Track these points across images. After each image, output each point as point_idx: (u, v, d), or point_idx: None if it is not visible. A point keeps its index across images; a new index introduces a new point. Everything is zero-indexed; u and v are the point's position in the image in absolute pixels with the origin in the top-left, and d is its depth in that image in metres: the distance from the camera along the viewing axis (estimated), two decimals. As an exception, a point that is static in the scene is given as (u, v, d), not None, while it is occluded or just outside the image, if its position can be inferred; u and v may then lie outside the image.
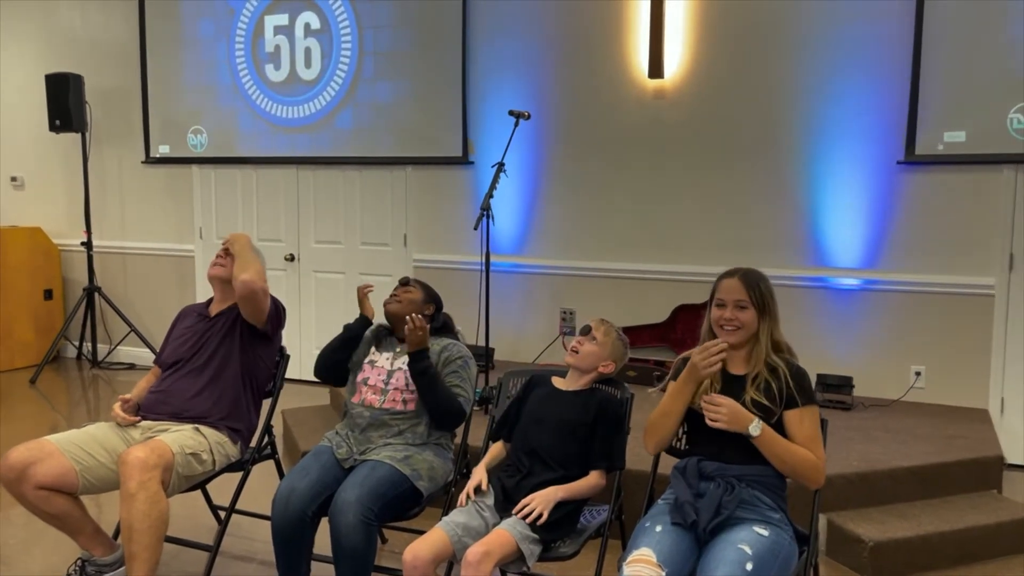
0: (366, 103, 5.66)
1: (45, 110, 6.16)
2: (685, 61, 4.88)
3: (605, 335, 2.57)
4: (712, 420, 2.19)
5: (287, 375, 3.17)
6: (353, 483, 2.54)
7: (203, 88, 6.14)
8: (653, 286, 5.05)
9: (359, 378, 2.89)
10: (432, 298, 3.00)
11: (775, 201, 4.77)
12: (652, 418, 2.36)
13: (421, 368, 2.72)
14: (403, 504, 2.64)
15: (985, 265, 4.40)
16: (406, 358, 2.82)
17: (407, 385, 2.80)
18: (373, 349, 2.94)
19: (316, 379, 3.01)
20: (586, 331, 2.59)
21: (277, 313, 3.07)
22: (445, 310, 3.05)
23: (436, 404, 2.75)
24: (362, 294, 2.96)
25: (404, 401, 2.80)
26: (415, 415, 2.79)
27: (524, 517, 2.32)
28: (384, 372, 2.86)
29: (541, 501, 2.34)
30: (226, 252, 3.11)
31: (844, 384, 4.45)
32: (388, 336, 2.98)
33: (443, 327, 2.99)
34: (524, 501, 2.36)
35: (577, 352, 2.55)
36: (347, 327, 2.97)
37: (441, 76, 5.43)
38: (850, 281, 4.65)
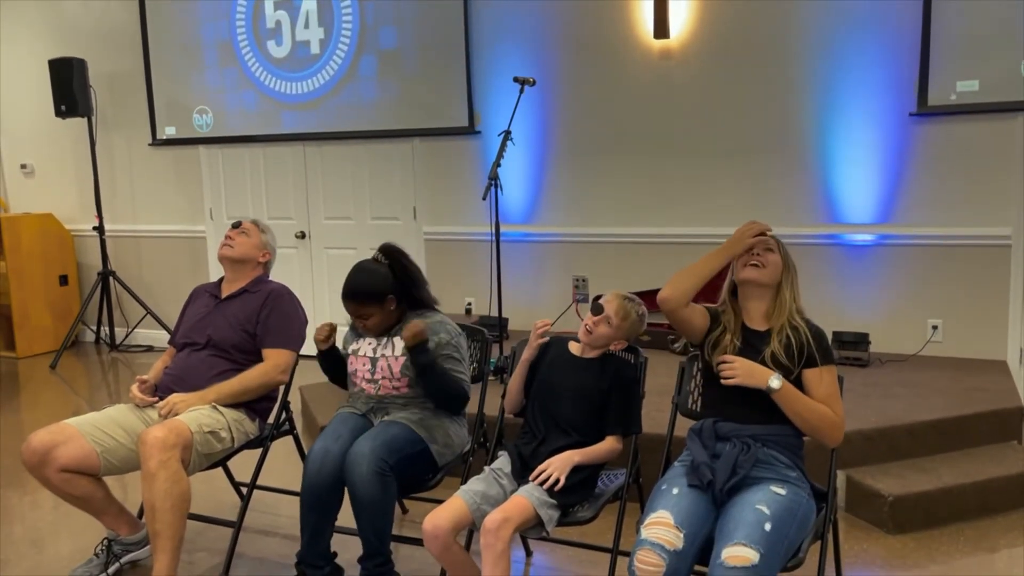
0: (370, 76, 5.62)
1: (50, 96, 6.16)
2: (691, 20, 4.81)
3: (623, 320, 2.50)
4: (727, 379, 2.20)
5: (303, 352, 3.17)
6: (367, 437, 2.55)
7: (206, 67, 6.11)
8: (665, 250, 5.01)
9: (349, 371, 2.83)
10: (391, 289, 2.72)
11: (787, 159, 4.71)
12: (679, 272, 2.38)
13: (422, 364, 2.62)
14: (418, 465, 2.63)
15: (1001, 215, 4.34)
16: (390, 344, 2.75)
17: (392, 373, 2.72)
18: (357, 337, 2.84)
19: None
20: (598, 310, 2.51)
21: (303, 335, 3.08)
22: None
23: (440, 394, 2.69)
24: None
25: (396, 387, 2.73)
26: (412, 395, 2.74)
27: (541, 483, 2.33)
28: (367, 361, 2.76)
29: (558, 466, 2.35)
30: (236, 231, 3.13)
31: (860, 341, 4.43)
32: None
33: (418, 303, 2.80)
34: (540, 467, 2.37)
35: (591, 332, 2.51)
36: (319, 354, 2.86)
37: (444, 45, 5.38)
38: (864, 237, 4.60)
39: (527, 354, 2.57)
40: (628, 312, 2.53)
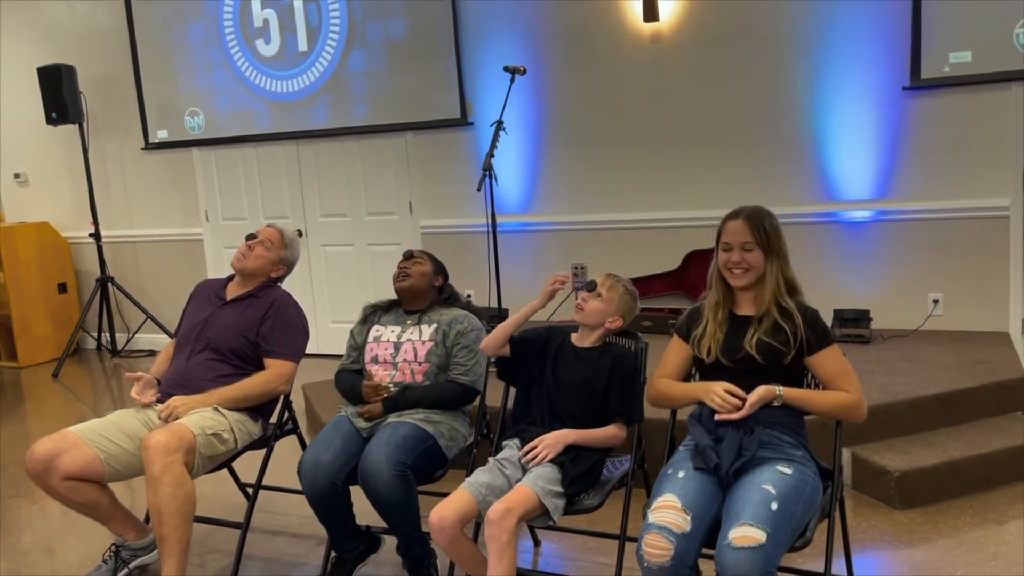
0: (360, 71, 5.60)
1: (41, 104, 6.13)
2: (680, 2, 4.78)
3: (610, 291, 2.53)
4: (740, 415, 2.13)
5: (305, 351, 3.15)
6: (378, 444, 2.55)
7: (195, 69, 6.08)
8: (663, 234, 5.00)
9: (367, 359, 2.87)
10: (440, 269, 2.96)
11: (781, 137, 4.69)
12: (661, 390, 2.37)
13: (402, 406, 2.71)
14: (430, 461, 2.65)
15: (998, 186, 4.32)
16: (416, 329, 2.83)
17: (415, 356, 2.79)
18: (376, 325, 2.92)
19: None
20: (592, 287, 2.55)
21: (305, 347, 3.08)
22: (455, 275, 3.03)
23: (442, 406, 2.75)
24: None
25: (413, 373, 2.78)
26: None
27: (531, 461, 2.36)
28: (391, 345, 2.84)
29: (550, 443, 2.36)
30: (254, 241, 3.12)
31: (862, 318, 4.42)
32: (389, 310, 2.95)
33: (451, 297, 2.96)
34: (530, 444, 2.38)
35: (583, 309, 2.54)
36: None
37: (433, 37, 5.35)
38: (862, 213, 4.59)
39: (536, 303, 2.56)
40: (615, 285, 2.55)
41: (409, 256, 2.92)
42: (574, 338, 2.60)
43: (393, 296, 2.97)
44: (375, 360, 2.85)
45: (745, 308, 2.31)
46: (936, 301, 4.51)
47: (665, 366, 2.41)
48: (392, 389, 2.75)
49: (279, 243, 3.14)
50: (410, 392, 2.74)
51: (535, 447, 2.37)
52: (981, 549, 2.84)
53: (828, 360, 2.23)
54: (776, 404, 2.17)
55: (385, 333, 2.88)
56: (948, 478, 3.21)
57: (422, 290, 2.88)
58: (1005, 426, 3.50)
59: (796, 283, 2.31)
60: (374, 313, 2.98)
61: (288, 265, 3.18)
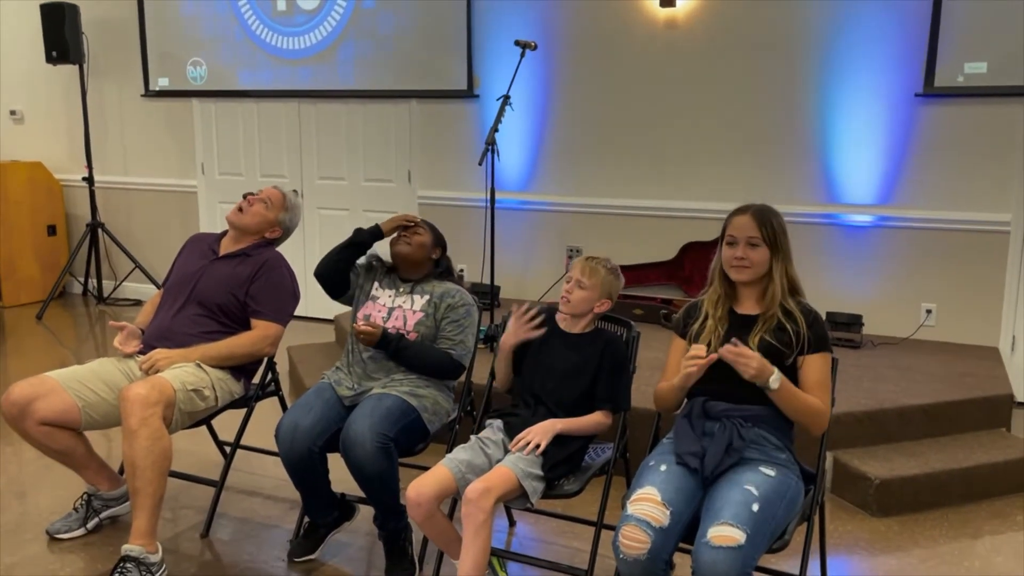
0: (368, 34, 5.51)
1: (42, 41, 6.02)
2: (698, -11, 4.72)
3: (592, 276, 2.47)
4: (742, 372, 2.08)
5: (293, 314, 3.12)
6: (362, 414, 2.53)
7: (201, 18, 5.98)
8: (661, 223, 4.97)
9: (360, 312, 2.85)
10: (439, 241, 2.92)
11: (788, 136, 4.65)
12: (657, 394, 2.34)
13: (392, 352, 2.70)
14: (412, 434, 2.62)
15: (1002, 201, 4.30)
16: (408, 298, 2.80)
17: (405, 324, 2.76)
18: (376, 284, 2.89)
19: (316, 279, 2.90)
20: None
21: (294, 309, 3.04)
22: (449, 249, 2.99)
23: (427, 371, 2.73)
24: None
25: None
26: None
27: (522, 450, 2.31)
28: (385, 309, 2.81)
29: (539, 432, 2.33)
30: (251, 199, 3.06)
31: (854, 322, 4.41)
32: (390, 273, 2.92)
33: (446, 271, 2.92)
34: (520, 435, 2.35)
35: (569, 300, 2.49)
36: (358, 231, 2.87)
37: (445, 5, 5.27)
38: (863, 218, 4.56)
39: (510, 341, 2.52)
40: (596, 270, 2.48)
41: (407, 225, 2.87)
42: (561, 321, 2.56)
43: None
44: (367, 318, 2.82)
45: (747, 307, 2.28)
46: (929, 311, 4.50)
47: (668, 369, 2.36)
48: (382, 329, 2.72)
49: (279, 204, 3.09)
50: (405, 340, 2.70)
51: (524, 436, 2.33)
52: (954, 562, 2.84)
53: (816, 365, 2.20)
54: (769, 386, 2.08)
55: (382, 296, 2.85)
56: (927, 489, 3.21)
57: (418, 260, 2.84)
58: (988, 441, 3.50)
59: (798, 283, 2.28)
60: (380, 267, 2.93)
61: (285, 229, 3.13)
